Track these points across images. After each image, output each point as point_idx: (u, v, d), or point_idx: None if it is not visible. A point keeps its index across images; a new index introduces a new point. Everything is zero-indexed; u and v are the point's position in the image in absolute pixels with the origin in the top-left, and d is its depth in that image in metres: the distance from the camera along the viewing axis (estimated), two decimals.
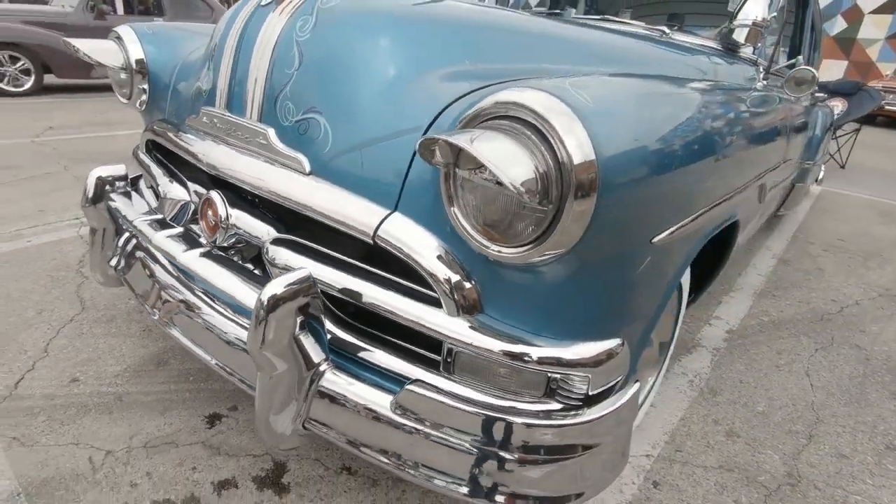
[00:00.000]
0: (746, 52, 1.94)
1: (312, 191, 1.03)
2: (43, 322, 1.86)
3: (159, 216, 1.35)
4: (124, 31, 1.61)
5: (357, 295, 0.99)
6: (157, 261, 1.30)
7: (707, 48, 1.93)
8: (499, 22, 1.29)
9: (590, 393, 0.90)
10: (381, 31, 1.05)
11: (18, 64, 6.53)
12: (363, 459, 1.02)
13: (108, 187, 1.47)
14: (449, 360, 0.94)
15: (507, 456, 0.90)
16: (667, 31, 1.97)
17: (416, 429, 0.90)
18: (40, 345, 1.74)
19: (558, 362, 0.85)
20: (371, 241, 0.94)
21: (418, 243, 0.90)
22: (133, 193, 1.57)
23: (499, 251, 0.79)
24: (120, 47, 1.60)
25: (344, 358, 1.03)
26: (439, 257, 0.88)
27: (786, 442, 1.57)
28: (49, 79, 6.85)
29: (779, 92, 1.88)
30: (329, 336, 1.05)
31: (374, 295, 0.97)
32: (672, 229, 0.90)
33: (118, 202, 1.43)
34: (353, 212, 0.96)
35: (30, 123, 5.06)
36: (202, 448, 1.37)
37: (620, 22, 2.05)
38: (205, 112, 1.28)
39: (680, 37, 1.98)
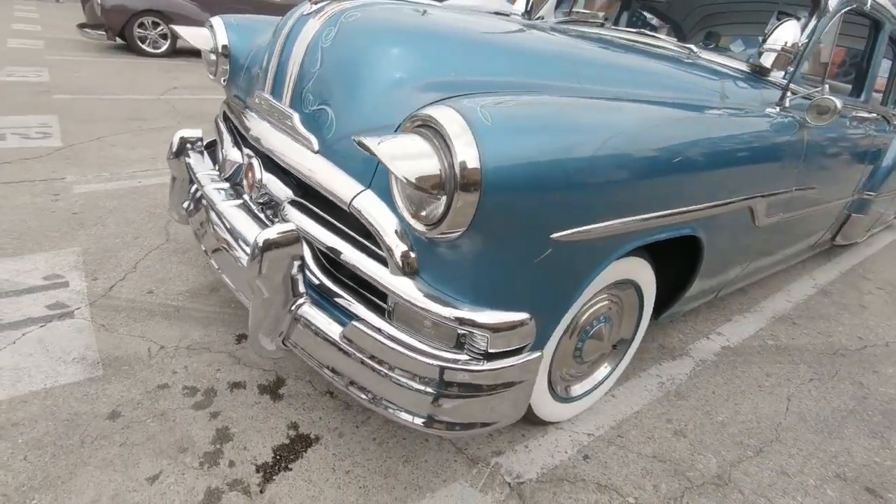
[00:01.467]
0: (777, 76, 1.96)
1: (315, 165, 1.33)
2: (137, 246, 2.37)
3: (217, 173, 1.72)
4: (216, 21, 2.00)
5: (337, 252, 1.28)
6: (209, 206, 1.68)
7: (733, 70, 1.98)
8: (495, 39, 1.50)
9: (489, 350, 1.13)
10: (380, 45, 1.31)
11: (158, 29, 7.53)
12: (326, 379, 1.32)
13: (188, 146, 1.89)
14: (391, 309, 1.20)
15: (427, 388, 1.15)
16: (694, 49, 2.04)
17: (358, 357, 1.18)
18: (132, 262, 2.23)
19: (462, 322, 1.09)
20: (346, 209, 1.22)
21: (379, 216, 1.16)
22: (205, 152, 1.97)
23: (419, 228, 1.04)
24: (211, 34, 2.00)
25: (322, 297, 1.33)
26: (394, 231, 1.14)
27: (731, 450, 1.67)
28: (181, 43, 7.83)
29: (802, 119, 1.89)
30: (317, 281, 1.35)
31: (348, 253, 1.25)
32: (574, 230, 1.09)
33: (192, 158, 1.84)
34: (338, 185, 1.25)
35: (160, 82, 5.91)
36: (228, 357, 1.75)
37: (653, 37, 2.14)
38: (257, 94, 1.62)
39: (707, 56, 2.04)
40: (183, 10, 7.49)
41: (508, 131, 0.97)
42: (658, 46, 2.09)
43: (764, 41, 1.92)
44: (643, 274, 1.58)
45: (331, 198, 1.27)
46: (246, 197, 1.62)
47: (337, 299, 1.31)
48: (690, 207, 1.39)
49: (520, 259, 1.08)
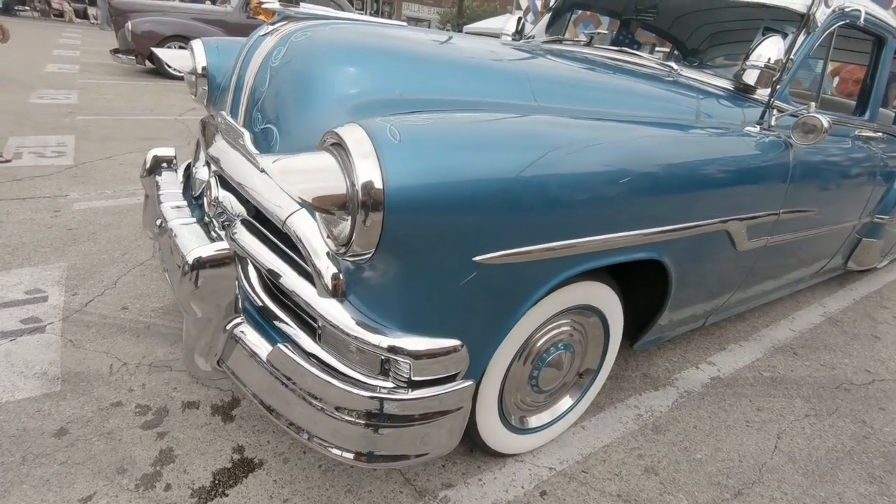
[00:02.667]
0: (763, 93, 1.88)
1: (258, 184, 1.31)
2: (123, 262, 2.41)
3: (178, 191, 1.73)
4: (196, 43, 2.04)
5: (275, 274, 1.25)
6: (163, 223, 1.68)
7: (716, 87, 1.91)
8: (449, 57, 1.47)
9: (413, 378, 1.07)
10: (322, 63, 1.30)
11: None
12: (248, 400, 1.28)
13: (162, 164, 1.91)
14: (320, 333, 1.17)
15: (352, 418, 1.10)
16: (675, 67, 1.98)
17: (281, 382, 1.15)
18: (113, 278, 2.27)
19: (380, 347, 1.04)
20: (281, 227, 1.20)
21: (310, 235, 1.14)
22: (179, 171, 1.99)
23: (332, 248, 1.00)
24: (191, 56, 2.04)
25: (264, 320, 1.30)
26: (325, 252, 1.10)
27: (706, 492, 1.55)
28: None
29: (788, 138, 1.79)
30: (260, 303, 1.33)
31: (286, 274, 1.22)
32: (499, 253, 1.04)
33: (164, 177, 1.86)
34: (275, 203, 1.23)
35: (180, 104, 6.13)
36: (187, 376, 1.74)
37: (634, 54, 2.09)
38: (220, 113, 1.64)
39: (690, 74, 1.98)
40: (208, 34, 7.80)
41: (419, 150, 0.93)
42: (639, 65, 2.04)
43: (746, 58, 1.84)
44: (606, 300, 1.50)
45: (269, 217, 1.26)
46: (208, 215, 1.62)
47: (277, 322, 1.28)
48: (643, 231, 1.31)
49: (442, 283, 1.03)
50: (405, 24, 1.83)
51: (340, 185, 0.90)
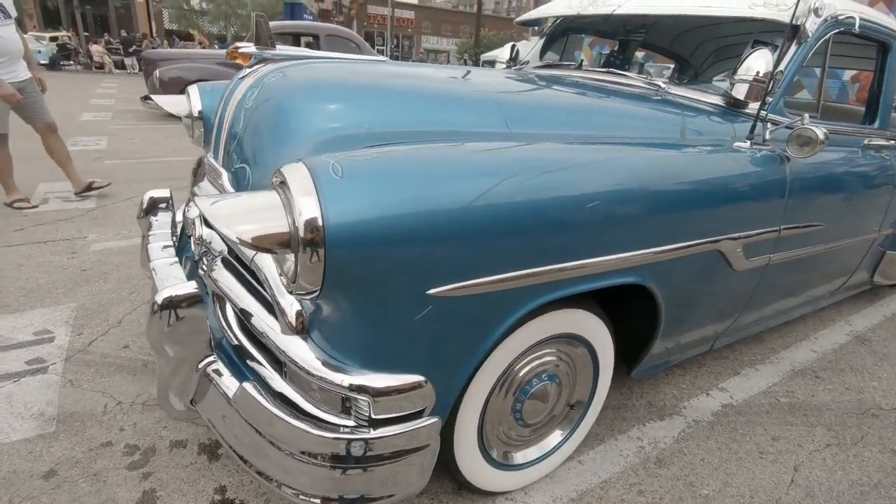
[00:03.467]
0: (756, 107, 1.82)
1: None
2: (130, 300, 2.47)
3: (168, 231, 1.78)
4: (192, 88, 2.13)
5: (248, 313, 1.26)
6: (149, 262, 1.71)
7: (706, 104, 1.86)
8: (421, 88, 1.48)
9: (374, 416, 1.04)
10: (289, 102, 1.32)
11: None
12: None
13: (158, 205, 1.97)
14: (285, 372, 1.15)
15: (309, 459, 1.08)
16: (662, 85, 1.94)
17: (243, 422, 1.13)
18: (119, 317, 2.32)
19: (336, 384, 1.02)
20: (249, 264, 1.21)
21: (274, 273, 1.14)
22: (176, 212, 2.05)
23: (285, 286, 1.00)
24: (188, 101, 2.12)
25: (240, 360, 1.30)
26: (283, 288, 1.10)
27: None
28: None
29: (783, 151, 1.72)
30: (235, 342, 1.33)
31: (258, 315, 1.22)
32: (454, 286, 1.01)
33: (159, 217, 1.91)
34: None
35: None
36: None
37: (622, 75, 2.06)
38: (207, 155, 1.68)
39: (679, 91, 1.94)
40: (224, 77, 8.14)
41: (361, 185, 0.92)
42: (626, 85, 2.02)
43: (734, 72, 1.80)
44: (592, 328, 1.44)
45: (239, 254, 1.27)
46: (195, 254, 1.65)
47: (251, 362, 1.28)
48: (619, 255, 1.26)
49: (397, 317, 1.01)
50: (386, 59, 1.86)
51: (283, 223, 0.90)
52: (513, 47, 2.85)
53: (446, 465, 1.35)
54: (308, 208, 0.87)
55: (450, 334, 1.08)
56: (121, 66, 19.07)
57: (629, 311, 1.57)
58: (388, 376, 1.04)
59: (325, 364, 1.05)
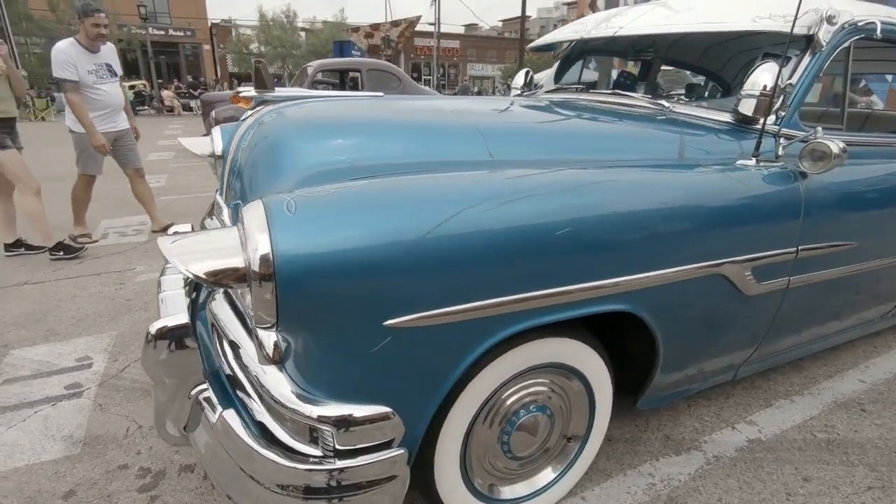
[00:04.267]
0: (768, 122, 1.73)
1: None
2: None
3: None
4: (215, 129, 2.28)
5: (236, 346, 1.31)
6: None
7: (715, 122, 1.80)
8: (405, 121, 1.52)
9: (337, 447, 1.05)
10: (276, 141, 1.40)
11: None
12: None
13: None
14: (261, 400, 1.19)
15: (281, 490, 1.10)
16: (667, 105, 1.89)
17: (218, 450, 1.17)
18: None
19: (300, 414, 1.04)
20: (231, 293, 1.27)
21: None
22: None
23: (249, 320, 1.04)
24: (211, 141, 2.27)
25: (231, 387, 1.35)
26: None
27: None
28: None
29: (796, 167, 1.62)
30: (229, 371, 1.39)
31: (245, 349, 1.27)
32: (412, 317, 1.01)
33: None
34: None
35: None
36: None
37: (626, 96, 2.03)
38: (216, 193, 1.80)
39: (685, 110, 1.88)
40: None
41: (313, 221, 0.95)
42: (630, 106, 1.98)
43: (741, 87, 1.72)
44: (583, 359, 1.40)
45: (227, 288, 1.33)
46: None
47: (240, 392, 1.33)
48: (598, 282, 1.21)
49: (357, 349, 1.02)
50: (381, 94, 1.92)
51: (239, 259, 0.95)
52: (527, 73, 2.86)
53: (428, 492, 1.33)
54: (260, 244, 0.91)
55: (414, 365, 1.08)
56: (188, 108, 20.64)
57: (627, 339, 1.50)
58: (351, 407, 1.05)
59: (296, 395, 1.08)
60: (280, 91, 1.66)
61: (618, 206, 1.24)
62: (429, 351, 1.08)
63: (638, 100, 1.99)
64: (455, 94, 21.51)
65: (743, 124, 1.76)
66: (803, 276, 1.70)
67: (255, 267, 0.91)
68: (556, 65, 2.76)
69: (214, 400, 1.28)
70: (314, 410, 1.04)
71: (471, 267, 1.04)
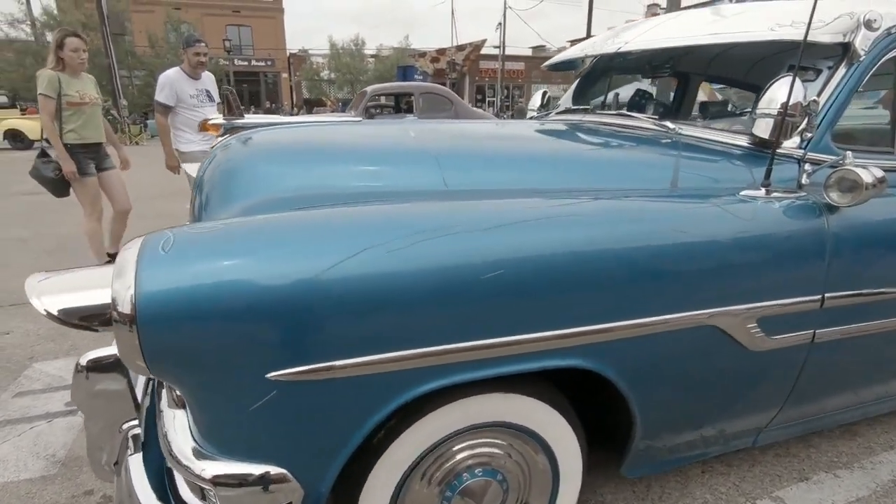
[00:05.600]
0: (791, 145, 1.48)
1: None
2: None
3: None
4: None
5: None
6: None
7: (724, 145, 1.57)
8: (361, 149, 1.43)
9: None
10: (224, 171, 1.37)
11: None
12: None
13: None
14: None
15: None
16: (672, 126, 1.68)
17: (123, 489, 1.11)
18: None
19: (188, 470, 0.95)
20: None
21: None
22: None
23: None
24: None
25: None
26: None
27: None
28: None
29: (820, 198, 1.36)
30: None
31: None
32: (300, 369, 0.90)
33: None
34: None
35: None
36: None
37: (630, 116, 1.83)
38: None
39: (693, 132, 1.66)
40: None
41: (184, 261, 0.87)
42: (633, 128, 1.78)
43: (754, 107, 1.49)
44: (543, 420, 1.21)
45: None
46: None
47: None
48: (536, 334, 1.04)
49: (239, 403, 0.92)
50: (360, 118, 1.86)
51: (105, 299, 0.89)
52: (544, 94, 2.71)
53: None
54: (124, 283, 0.85)
55: (309, 423, 0.97)
56: None
57: (600, 397, 1.30)
58: (238, 466, 0.95)
59: (193, 448, 0.99)
60: (249, 118, 1.64)
61: (568, 243, 1.06)
62: (325, 408, 0.96)
63: (643, 121, 1.78)
64: (511, 116, 21.42)
65: (762, 148, 1.52)
66: (835, 329, 1.41)
67: (117, 306, 0.84)
68: (574, 84, 2.59)
69: (137, 439, 1.23)
70: (197, 466, 0.94)
71: (368, 316, 0.92)
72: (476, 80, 34.27)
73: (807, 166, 1.44)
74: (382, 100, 10.48)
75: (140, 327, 0.83)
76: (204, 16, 30.99)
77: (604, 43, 2.04)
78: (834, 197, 1.32)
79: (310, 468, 0.99)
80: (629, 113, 1.87)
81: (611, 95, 2.27)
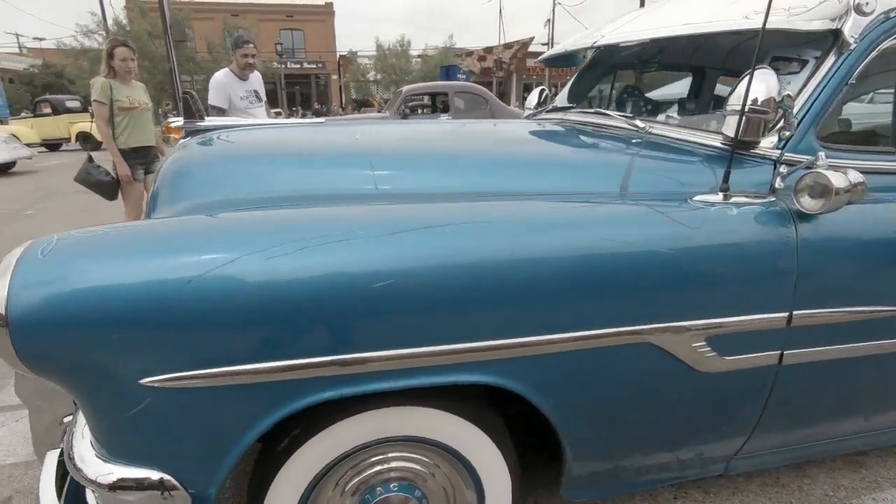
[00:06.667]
0: (767, 145, 1.34)
1: None
2: None
3: None
4: None
5: None
6: None
7: (699, 146, 1.44)
8: (298, 152, 1.43)
9: None
10: (167, 175, 1.38)
11: None
12: None
13: None
14: None
15: None
16: (641, 125, 1.56)
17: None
18: None
19: (78, 471, 0.96)
20: None
21: None
22: None
23: None
24: None
25: None
26: None
27: None
28: None
29: (791, 204, 1.22)
30: None
31: None
32: (172, 375, 0.88)
33: None
34: None
35: None
36: None
37: (606, 115, 1.72)
38: None
39: (664, 132, 1.53)
40: None
41: (59, 266, 0.88)
42: (608, 126, 1.67)
43: (724, 104, 1.36)
44: (461, 435, 1.15)
45: None
46: None
47: None
48: (435, 347, 0.98)
49: (119, 407, 0.92)
50: (322, 120, 1.84)
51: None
52: (541, 91, 2.60)
53: None
54: (1, 286, 0.86)
55: (190, 429, 0.95)
56: None
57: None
58: (120, 469, 0.96)
59: (86, 450, 1.01)
60: (210, 120, 1.67)
61: (466, 252, 1.00)
62: (207, 414, 0.95)
63: (616, 120, 1.67)
64: None
65: (738, 149, 1.38)
66: (809, 350, 1.27)
67: None
68: (569, 82, 2.47)
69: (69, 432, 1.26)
70: (82, 468, 0.96)
71: (242, 324, 0.89)
72: (524, 78, 33.84)
73: (782, 168, 1.30)
74: (426, 99, 10.51)
75: (11, 329, 0.85)
76: (259, 21, 32.30)
77: (583, 37, 1.93)
78: (804, 202, 1.19)
79: (194, 473, 0.98)
80: (605, 111, 1.75)
81: (598, 92, 2.15)
